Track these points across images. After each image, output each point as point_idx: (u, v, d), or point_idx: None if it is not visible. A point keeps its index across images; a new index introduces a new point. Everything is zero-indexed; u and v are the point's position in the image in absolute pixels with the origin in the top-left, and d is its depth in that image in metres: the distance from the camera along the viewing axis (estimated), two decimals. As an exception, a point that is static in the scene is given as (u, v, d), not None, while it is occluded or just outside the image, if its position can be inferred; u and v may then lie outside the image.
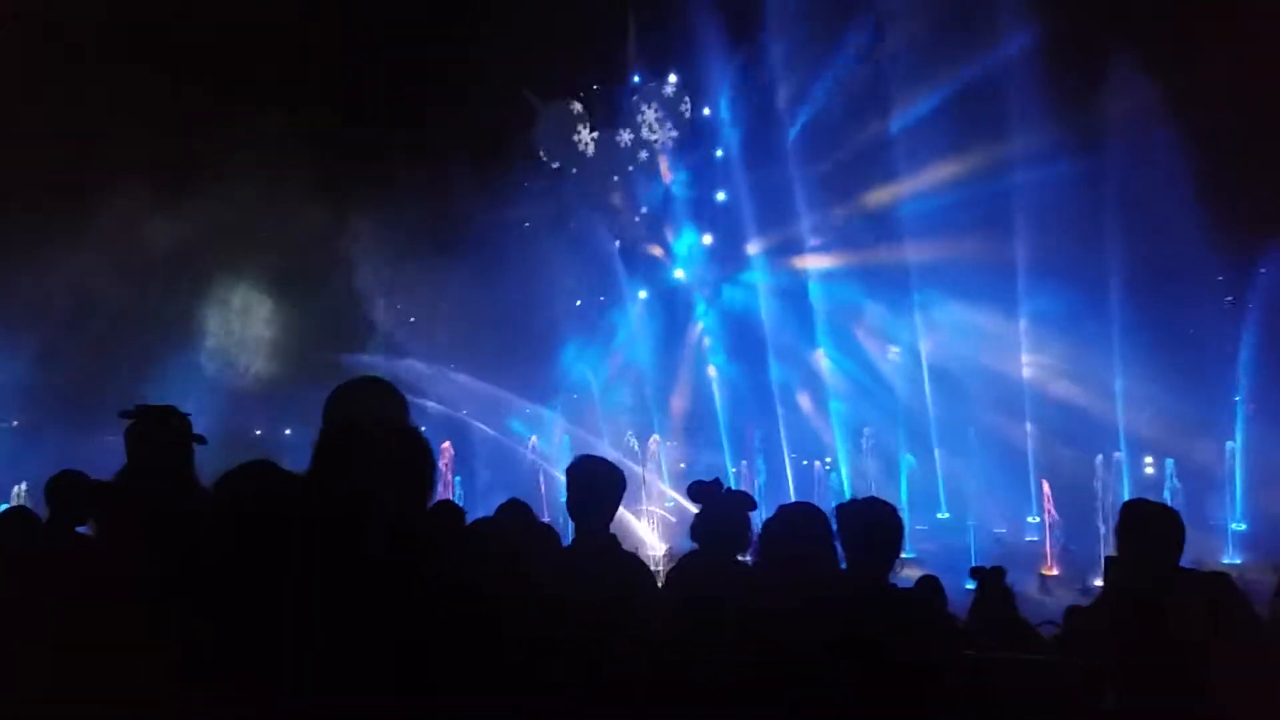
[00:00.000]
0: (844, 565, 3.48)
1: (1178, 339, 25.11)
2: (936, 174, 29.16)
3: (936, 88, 29.44)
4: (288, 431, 26.62)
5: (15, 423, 26.87)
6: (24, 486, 21.41)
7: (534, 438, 27.90)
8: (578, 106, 37.62)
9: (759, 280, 33.81)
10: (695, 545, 3.95)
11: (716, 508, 3.90)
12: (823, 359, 31.27)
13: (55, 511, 4.31)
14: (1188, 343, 25.32)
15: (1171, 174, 24.33)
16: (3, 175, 24.09)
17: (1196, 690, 3.50)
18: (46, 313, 24.52)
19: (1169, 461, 23.19)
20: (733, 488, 4.05)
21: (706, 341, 34.47)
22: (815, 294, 31.85)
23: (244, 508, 2.38)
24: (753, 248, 34.45)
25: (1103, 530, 20.52)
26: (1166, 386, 24.58)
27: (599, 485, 3.93)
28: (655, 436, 29.91)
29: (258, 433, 28.16)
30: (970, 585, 6.83)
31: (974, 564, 7.29)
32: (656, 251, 37.20)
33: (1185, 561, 3.94)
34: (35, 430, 24.45)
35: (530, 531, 4.22)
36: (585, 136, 37.41)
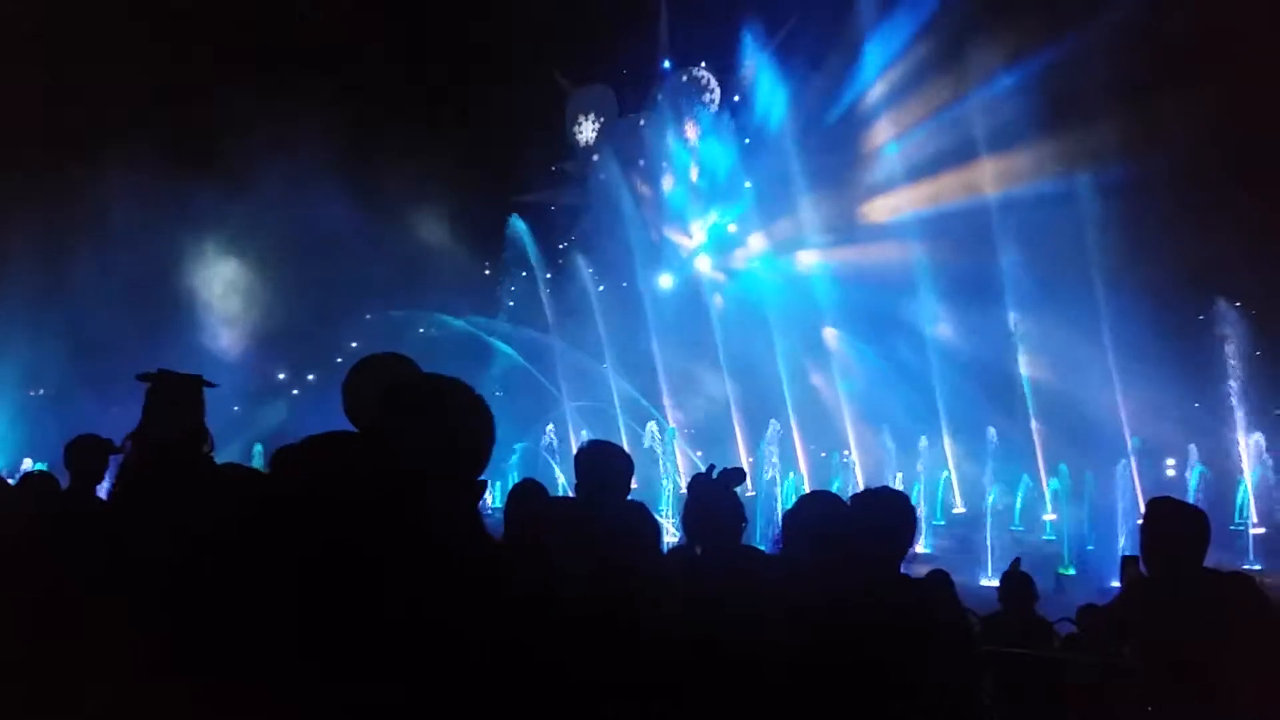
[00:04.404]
0: (858, 553, 3.44)
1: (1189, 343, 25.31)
2: (956, 177, 29.44)
3: (963, 92, 29.63)
4: (310, 377, 27.20)
5: (42, 391, 27.22)
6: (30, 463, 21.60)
7: (550, 426, 27.91)
8: (607, 91, 37.53)
9: (777, 272, 33.67)
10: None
11: (702, 495, 3.80)
12: (838, 353, 31.18)
13: (74, 475, 4.34)
14: (1198, 347, 25.41)
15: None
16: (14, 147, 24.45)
17: (1214, 691, 3.45)
18: (67, 284, 24.79)
19: (1192, 455, 22.99)
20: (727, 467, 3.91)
21: (723, 332, 34.34)
22: (830, 289, 31.80)
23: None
24: (773, 239, 34.32)
25: (1121, 532, 20.32)
26: (1182, 387, 24.59)
27: (608, 469, 3.88)
28: (671, 427, 29.85)
29: (280, 376, 28.58)
30: (985, 581, 6.79)
31: (989, 560, 7.26)
32: (680, 239, 37.09)
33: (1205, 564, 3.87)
34: (58, 398, 24.77)
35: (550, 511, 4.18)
36: (613, 121, 37.32)
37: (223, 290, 28.62)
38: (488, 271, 33.65)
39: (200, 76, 27.88)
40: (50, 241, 25.16)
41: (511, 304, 33.59)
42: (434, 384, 2.34)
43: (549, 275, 32.83)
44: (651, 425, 29.17)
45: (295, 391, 28.73)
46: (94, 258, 25.00)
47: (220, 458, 3.46)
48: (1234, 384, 25.03)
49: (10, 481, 5.84)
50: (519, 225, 31.65)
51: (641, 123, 37.24)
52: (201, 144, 26.57)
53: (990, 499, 23.03)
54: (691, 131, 37.22)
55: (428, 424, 2.23)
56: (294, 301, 28.63)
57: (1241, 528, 22.56)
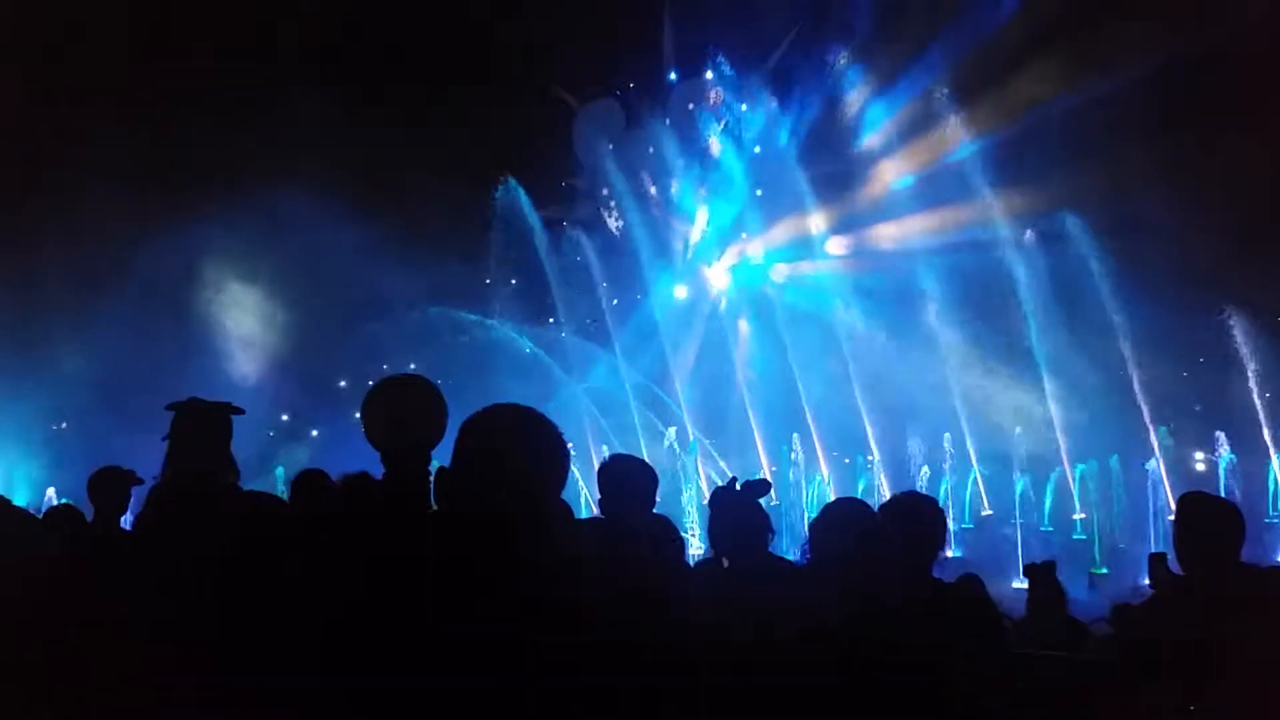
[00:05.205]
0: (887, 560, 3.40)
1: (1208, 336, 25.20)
2: (968, 198, 29.50)
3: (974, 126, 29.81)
4: (343, 384, 27.52)
5: (64, 425, 27.43)
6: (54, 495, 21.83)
7: (568, 444, 27.76)
8: (614, 105, 37.65)
9: (791, 279, 33.63)
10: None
11: (726, 508, 3.78)
12: (856, 356, 31.00)
13: (99, 506, 4.37)
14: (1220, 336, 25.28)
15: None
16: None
17: (1253, 689, 3.39)
18: (88, 316, 25.01)
19: (1221, 443, 22.71)
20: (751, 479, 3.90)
21: (743, 340, 34.25)
22: (846, 292, 31.74)
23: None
24: (786, 247, 34.32)
25: (1152, 529, 20.14)
26: (1207, 378, 24.37)
27: (632, 484, 3.86)
28: (693, 436, 29.74)
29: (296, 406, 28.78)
30: (1018, 584, 6.73)
31: (1021, 562, 7.18)
32: (692, 248, 37.13)
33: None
34: (82, 431, 24.95)
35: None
36: (621, 135, 37.43)
37: (242, 316, 28.77)
38: (498, 282, 33.68)
39: (206, 106, 28.19)
40: (70, 272, 25.38)
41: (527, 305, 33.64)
42: (506, 416, 2.39)
43: (561, 289, 32.85)
44: (671, 431, 29.08)
45: (318, 410, 28.83)
46: (114, 288, 25.22)
47: (247, 485, 3.47)
48: (1255, 373, 24.76)
49: (36, 515, 5.89)
50: (515, 186, 31.23)
51: (650, 149, 37.29)
52: (216, 171, 26.84)
53: (1018, 492, 22.86)
54: (700, 142, 37.29)
55: (483, 451, 2.27)
56: (312, 324, 28.78)
57: (1275, 521, 22.27)
